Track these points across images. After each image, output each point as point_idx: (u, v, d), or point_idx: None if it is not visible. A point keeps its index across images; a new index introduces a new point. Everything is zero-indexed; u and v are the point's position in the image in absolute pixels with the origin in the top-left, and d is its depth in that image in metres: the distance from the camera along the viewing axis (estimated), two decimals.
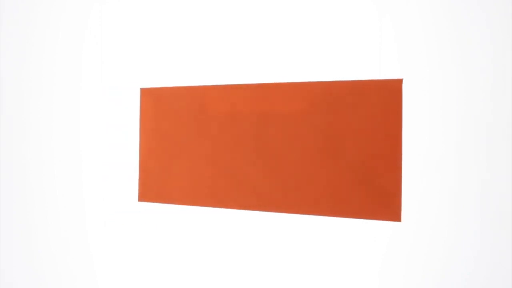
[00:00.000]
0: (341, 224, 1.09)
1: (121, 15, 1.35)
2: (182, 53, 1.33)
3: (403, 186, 1.05)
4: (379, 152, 1.03)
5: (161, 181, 1.23)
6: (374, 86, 1.04)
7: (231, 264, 1.21)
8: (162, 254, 1.27)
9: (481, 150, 1.09)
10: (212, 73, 1.27)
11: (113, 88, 1.35)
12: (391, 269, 1.07)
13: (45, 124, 1.39)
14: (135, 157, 1.28)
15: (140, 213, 1.28)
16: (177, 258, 1.25)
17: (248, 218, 1.19)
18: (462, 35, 1.12)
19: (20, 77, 1.36)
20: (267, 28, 1.19)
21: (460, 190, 1.11)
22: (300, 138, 1.07)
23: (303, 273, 1.13)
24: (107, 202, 1.32)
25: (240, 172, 1.13)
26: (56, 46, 1.35)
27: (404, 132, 1.07)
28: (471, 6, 1.12)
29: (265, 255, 1.17)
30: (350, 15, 1.13)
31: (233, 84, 1.17)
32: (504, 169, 1.06)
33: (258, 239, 1.19)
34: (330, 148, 1.05)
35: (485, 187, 1.09)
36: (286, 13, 1.18)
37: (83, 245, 1.37)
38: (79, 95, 1.36)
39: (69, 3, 1.33)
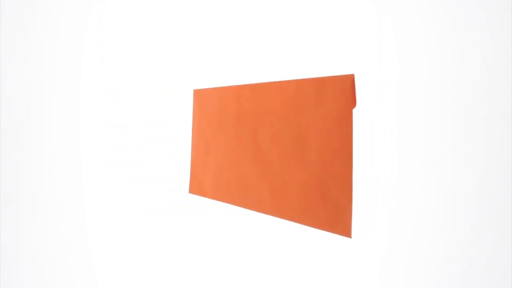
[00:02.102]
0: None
1: (121, 15, 1.35)
2: (183, 53, 1.33)
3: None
4: (334, 156, 0.94)
5: (200, 176, 1.28)
6: (330, 83, 0.97)
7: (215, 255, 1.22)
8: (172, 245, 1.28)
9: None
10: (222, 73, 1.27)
11: (115, 87, 1.35)
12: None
13: (47, 123, 1.40)
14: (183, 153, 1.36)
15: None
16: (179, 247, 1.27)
17: (247, 218, 1.19)
18: (458, 37, 1.12)
19: (20, 76, 1.37)
20: (272, 30, 1.19)
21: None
22: (281, 139, 1.06)
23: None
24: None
25: (242, 172, 1.15)
26: (56, 46, 1.35)
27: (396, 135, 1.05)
28: (468, 7, 1.12)
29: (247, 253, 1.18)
30: (351, 17, 1.14)
31: (240, 84, 1.18)
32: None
33: (250, 238, 1.20)
34: (300, 149, 1.01)
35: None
36: (292, 17, 1.18)
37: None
38: (79, 94, 1.36)
39: (70, 3, 1.33)
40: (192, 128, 1.32)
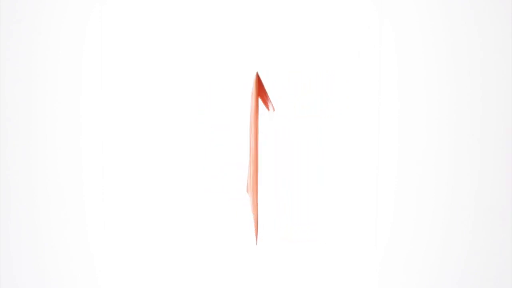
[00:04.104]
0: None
1: (121, 16, 1.35)
2: (185, 52, 1.33)
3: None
4: (254, 158, 0.93)
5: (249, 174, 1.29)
6: (255, 82, 0.94)
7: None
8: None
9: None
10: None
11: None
12: None
13: (48, 122, 1.38)
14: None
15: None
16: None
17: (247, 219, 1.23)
18: (457, 38, 1.13)
19: (21, 76, 1.35)
20: (276, 31, 1.21)
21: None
22: (253, 139, 1.08)
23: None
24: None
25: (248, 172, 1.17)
26: (57, 46, 1.34)
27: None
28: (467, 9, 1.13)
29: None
30: (352, 20, 1.15)
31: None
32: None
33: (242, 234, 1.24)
34: (255, 149, 1.02)
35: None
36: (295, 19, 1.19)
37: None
38: (80, 94, 1.36)
39: (70, 4, 1.32)
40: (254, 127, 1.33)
